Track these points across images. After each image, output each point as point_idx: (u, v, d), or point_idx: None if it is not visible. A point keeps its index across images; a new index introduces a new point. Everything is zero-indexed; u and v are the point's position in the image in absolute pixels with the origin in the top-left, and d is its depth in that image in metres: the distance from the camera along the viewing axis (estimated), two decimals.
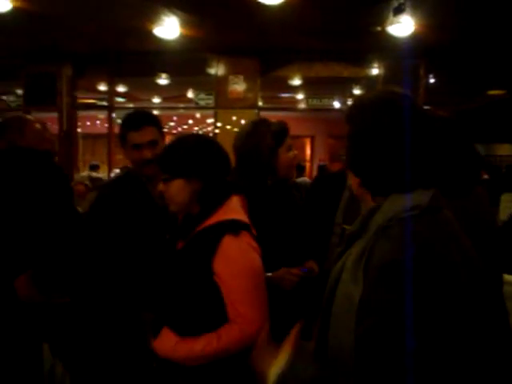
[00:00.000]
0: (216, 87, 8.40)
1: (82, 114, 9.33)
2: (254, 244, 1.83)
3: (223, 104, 8.29)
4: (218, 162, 1.92)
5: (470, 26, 6.62)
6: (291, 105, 10.55)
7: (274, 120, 2.57)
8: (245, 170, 2.51)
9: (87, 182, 5.99)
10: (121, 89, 9.75)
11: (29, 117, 2.22)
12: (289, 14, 6.01)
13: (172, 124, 16.79)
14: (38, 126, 2.08)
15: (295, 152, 2.55)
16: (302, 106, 10.12)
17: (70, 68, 8.48)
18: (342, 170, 2.91)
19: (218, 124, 8.39)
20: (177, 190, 1.87)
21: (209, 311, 1.78)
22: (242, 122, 8.17)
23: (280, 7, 5.62)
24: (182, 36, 6.84)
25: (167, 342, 1.80)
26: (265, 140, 2.48)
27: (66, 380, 2.53)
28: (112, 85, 8.93)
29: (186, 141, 1.93)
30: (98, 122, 14.19)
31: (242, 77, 8.16)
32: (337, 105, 9.63)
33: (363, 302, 1.10)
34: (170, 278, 1.90)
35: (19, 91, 9.08)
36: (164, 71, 9.24)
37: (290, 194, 2.61)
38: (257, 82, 8.26)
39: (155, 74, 9.30)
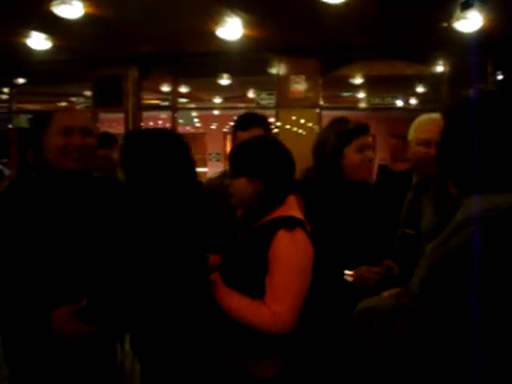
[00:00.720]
0: (277, 87, 8.43)
1: (145, 114, 9.58)
2: (307, 241, 1.91)
3: (284, 104, 8.31)
4: (281, 163, 2.02)
5: None
6: (352, 104, 10.45)
7: (352, 119, 2.54)
8: (315, 168, 2.54)
9: None
10: (183, 89, 9.95)
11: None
12: (350, 11, 5.96)
13: (232, 124, 16.94)
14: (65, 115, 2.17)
15: (368, 154, 2.48)
16: (364, 104, 10.01)
17: (136, 70, 8.73)
18: (406, 170, 2.87)
19: (279, 124, 8.42)
20: (240, 187, 2.00)
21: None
22: (302, 121, 8.18)
23: (341, 5, 5.60)
24: (244, 36, 6.92)
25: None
26: (329, 139, 2.49)
27: (135, 372, 2.63)
28: (175, 86, 9.13)
29: (253, 142, 2.08)
30: (160, 122, 14.55)
31: (303, 76, 8.15)
32: (399, 103, 9.47)
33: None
34: (229, 269, 1.99)
35: (87, 93, 9.44)
36: (226, 72, 9.37)
37: (364, 196, 2.55)
38: (318, 82, 8.23)
39: (217, 74, 9.44)
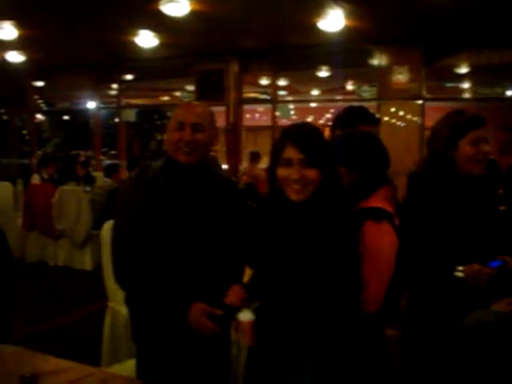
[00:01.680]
0: (379, 78, 8.25)
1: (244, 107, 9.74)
2: (392, 234, 1.95)
3: (386, 95, 8.13)
4: (379, 158, 2.11)
5: None
6: (457, 94, 10.02)
7: (470, 111, 2.46)
8: (427, 160, 2.50)
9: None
10: (282, 82, 10.01)
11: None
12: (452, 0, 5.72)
13: (329, 116, 16.83)
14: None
15: (483, 147, 2.38)
16: (469, 95, 9.57)
17: (237, 64, 8.90)
18: None
19: (381, 116, 8.26)
20: None
21: None
22: (404, 113, 7.97)
23: None
24: (345, 28, 6.84)
25: None
26: (441, 131, 2.43)
27: (240, 357, 2.71)
28: (275, 79, 9.21)
29: (352, 136, 2.17)
30: (257, 115, 14.74)
31: (406, 67, 7.92)
32: (510, 93, 8.96)
33: None
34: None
35: (189, 87, 9.78)
36: (325, 64, 9.30)
37: (481, 189, 2.47)
38: (421, 72, 7.97)
39: (316, 66, 9.40)
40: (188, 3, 5.98)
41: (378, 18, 6.78)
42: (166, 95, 13.99)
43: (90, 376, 1.98)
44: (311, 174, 1.79)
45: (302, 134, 1.85)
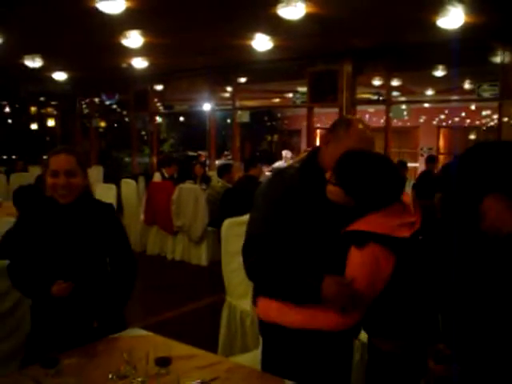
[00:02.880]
0: (501, 77, 7.84)
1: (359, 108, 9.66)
2: (378, 256, 2.02)
3: (509, 94, 7.71)
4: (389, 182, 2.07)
5: None
6: None
7: None
8: None
9: None
10: (395, 83, 9.82)
11: (353, 118, 2.44)
12: None
13: (442, 117, 16.22)
14: (360, 126, 2.25)
15: None
16: None
17: (350, 65, 8.86)
18: None
19: (503, 117, 7.84)
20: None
21: None
22: None
23: None
24: (465, 25, 6.58)
25: None
26: None
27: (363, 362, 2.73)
28: (388, 79, 9.06)
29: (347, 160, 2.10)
30: (367, 115, 14.55)
31: None
32: None
33: None
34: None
35: (301, 89, 9.87)
36: (441, 62, 8.99)
37: None
38: None
39: (432, 66, 9.12)
40: (304, 6, 6.06)
41: (500, 13, 6.46)
42: (278, 97, 14.23)
43: (218, 364, 2.11)
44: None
45: None
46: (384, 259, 2.03)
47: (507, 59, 7.71)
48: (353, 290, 1.99)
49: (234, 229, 3.75)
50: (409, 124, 15.11)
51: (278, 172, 2.32)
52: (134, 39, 7.62)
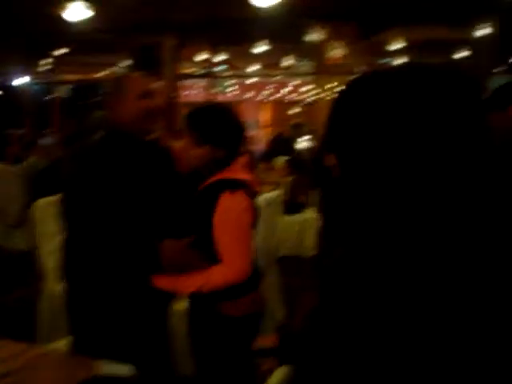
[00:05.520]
0: (316, 53, 8.32)
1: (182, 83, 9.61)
2: (248, 200, 2.09)
3: (322, 70, 8.22)
4: (238, 131, 2.16)
5: None
6: None
7: None
8: None
9: None
10: (220, 57, 9.93)
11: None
12: None
13: (266, 93, 16.85)
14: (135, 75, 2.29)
15: None
16: None
17: (174, 38, 8.75)
18: None
19: (319, 90, 8.35)
20: (203, 154, 2.13)
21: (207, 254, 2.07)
22: (338, 88, 8.09)
23: None
24: (283, 2, 6.81)
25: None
26: None
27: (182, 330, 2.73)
28: (212, 54, 9.13)
29: (213, 111, 2.18)
30: (193, 91, 14.58)
31: (341, 42, 8.03)
32: None
33: None
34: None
35: (126, 62, 9.56)
36: (263, 38, 9.27)
37: None
38: (356, 48, 8.10)
39: (254, 41, 9.36)
40: None
41: None
42: (101, 70, 13.62)
43: (24, 353, 1.95)
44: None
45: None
46: (251, 207, 2.12)
47: (322, 37, 8.19)
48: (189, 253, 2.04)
49: (50, 209, 3.54)
50: (233, 99, 15.48)
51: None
52: None
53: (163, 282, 2.08)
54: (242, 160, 2.25)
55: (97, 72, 14.08)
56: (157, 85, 2.28)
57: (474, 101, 0.67)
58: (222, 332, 2.09)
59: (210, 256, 2.06)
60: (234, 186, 2.06)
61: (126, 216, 2.09)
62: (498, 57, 8.05)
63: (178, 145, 2.18)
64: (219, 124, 2.11)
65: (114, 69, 10.99)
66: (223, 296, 2.06)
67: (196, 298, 2.09)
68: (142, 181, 2.15)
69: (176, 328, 2.48)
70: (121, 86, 2.18)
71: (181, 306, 2.46)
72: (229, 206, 2.03)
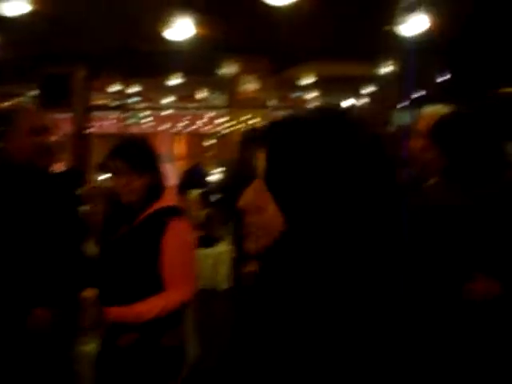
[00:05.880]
0: (229, 86, 8.42)
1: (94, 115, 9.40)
2: (190, 227, 2.25)
3: (235, 103, 8.32)
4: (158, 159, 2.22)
5: (482, 20, 6.60)
6: (303, 104, 10.56)
7: None
8: None
9: None
10: (133, 89, 9.82)
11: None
12: (299, 14, 6.02)
13: (181, 125, 16.80)
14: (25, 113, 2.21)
15: None
16: (315, 104, 10.12)
17: (84, 69, 8.55)
18: None
19: (232, 123, 8.43)
20: (140, 184, 2.14)
21: (152, 281, 2.05)
22: (255, 121, 8.22)
23: (291, 7, 5.64)
24: (195, 36, 6.86)
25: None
26: None
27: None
28: (125, 85, 9.00)
29: (137, 141, 2.25)
30: (105, 123, 14.28)
31: (254, 76, 8.19)
32: (348, 103, 9.65)
33: None
34: (116, 258, 2.12)
35: (34, 93, 9.20)
36: (176, 71, 9.27)
37: None
38: (268, 82, 8.28)
39: (167, 74, 9.34)
40: (28, 1, 5.63)
41: (228, 27, 6.91)
42: (7, 100, 13.03)
43: None
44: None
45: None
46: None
47: (235, 70, 8.31)
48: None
49: None
50: (148, 131, 15.30)
51: None
52: None
53: (116, 314, 2.02)
54: (171, 190, 2.28)
55: (2, 102, 13.46)
56: (53, 120, 2.24)
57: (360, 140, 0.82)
58: (161, 364, 2.04)
59: (146, 284, 2.04)
60: (179, 213, 2.11)
61: None
62: (401, 92, 8.51)
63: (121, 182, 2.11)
64: (150, 151, 2.17)
65: (21, 99, 10.53)
66: (167, 324, 2.04)
67: (143, 329, 2.02)
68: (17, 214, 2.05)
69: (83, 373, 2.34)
70: (12, 121, 2.10)
71: (89, 347, 2.34)
72: (180, 231, 2.07)
